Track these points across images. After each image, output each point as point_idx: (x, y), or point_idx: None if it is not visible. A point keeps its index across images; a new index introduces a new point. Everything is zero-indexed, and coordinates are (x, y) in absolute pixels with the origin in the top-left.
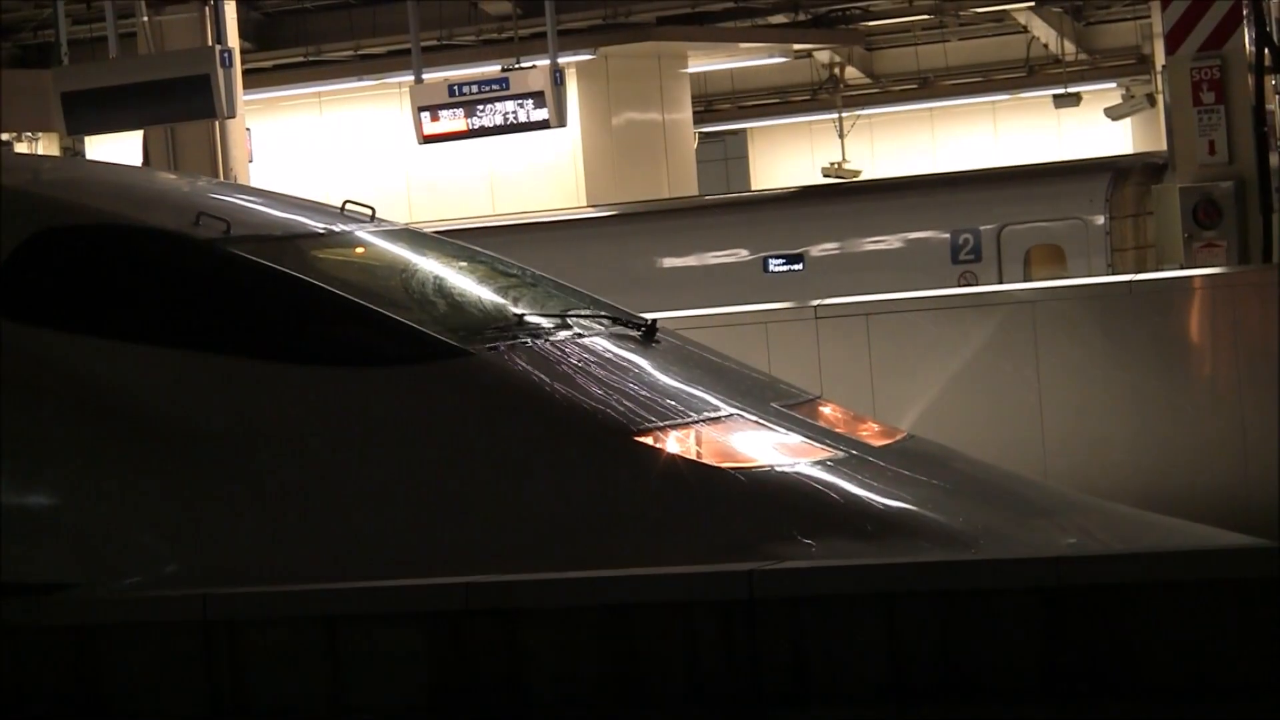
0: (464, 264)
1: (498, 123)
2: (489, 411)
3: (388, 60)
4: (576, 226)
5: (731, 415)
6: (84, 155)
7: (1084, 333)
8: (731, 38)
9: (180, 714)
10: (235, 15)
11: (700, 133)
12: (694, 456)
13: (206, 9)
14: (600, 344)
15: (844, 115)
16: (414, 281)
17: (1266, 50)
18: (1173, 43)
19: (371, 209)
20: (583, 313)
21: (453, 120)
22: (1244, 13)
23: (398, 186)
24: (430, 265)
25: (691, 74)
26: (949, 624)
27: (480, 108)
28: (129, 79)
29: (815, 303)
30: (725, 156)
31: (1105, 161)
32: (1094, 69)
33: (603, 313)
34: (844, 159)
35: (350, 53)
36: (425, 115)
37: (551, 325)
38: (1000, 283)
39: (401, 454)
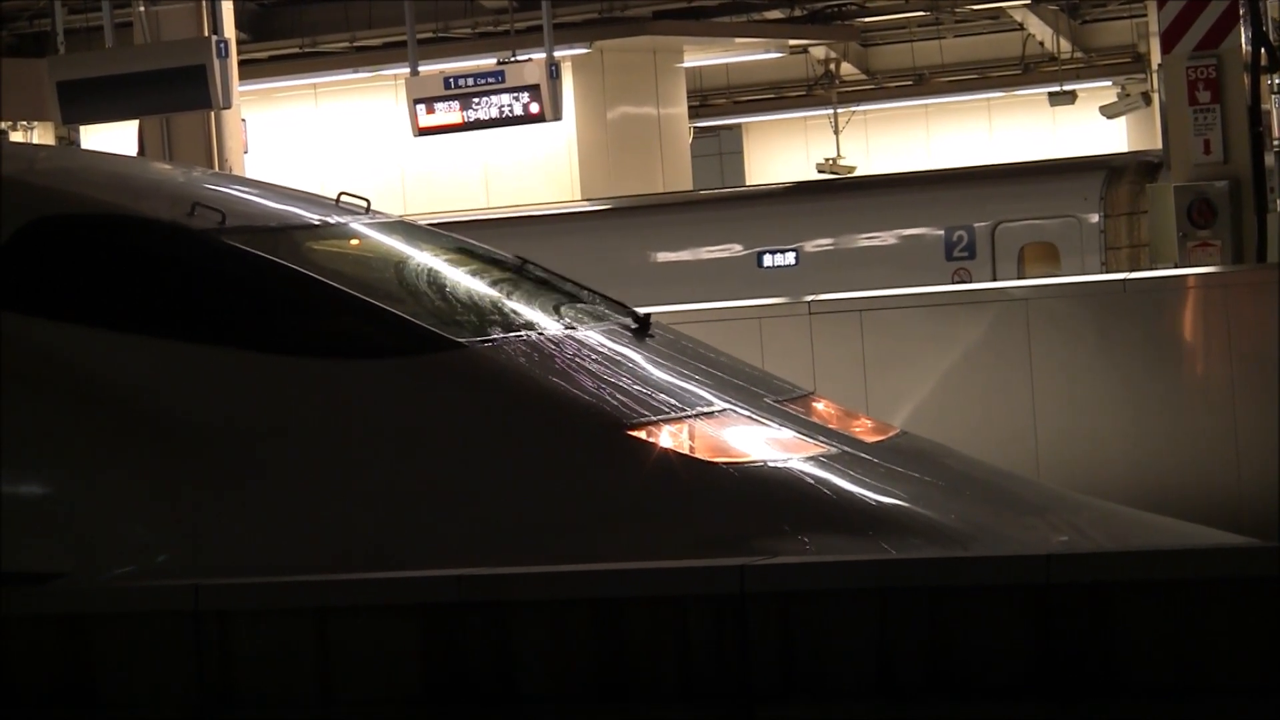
0: (458, 257)
1: (493, 116)
2: (482, 404)
3: (383, 52)
4: (571, 220)
5: (724, 410)
6: (79, 145)
7: (1077, 331)
8: (727, 33)
9: (169, 704)
10: (231, 6)
11: (695, 127)
12: (687, 451)
13: (203, 0)
14: (594, 338)
15: (839, 111)
16: (408, 274)
17: (1263, 50)
18: (1169, 41)
19: (366, 201)
20: (577, 307)
21: (448, 113)
22: (1240, 12)
23: (393, 179)
24: (424, 258)
25: (687, 69)
26: (940, 620)
27: (475, 101)
28: (125, 69)
29: (809, 298)
30: (720, 151)
31: (1100, 160)
32: (1089, 67)
33: (597, 307)
34: (839, 155)
35: (346, 44)
36: (420, 108)
37: (545, 319)
38: (994, 280)
39: (394, 446)
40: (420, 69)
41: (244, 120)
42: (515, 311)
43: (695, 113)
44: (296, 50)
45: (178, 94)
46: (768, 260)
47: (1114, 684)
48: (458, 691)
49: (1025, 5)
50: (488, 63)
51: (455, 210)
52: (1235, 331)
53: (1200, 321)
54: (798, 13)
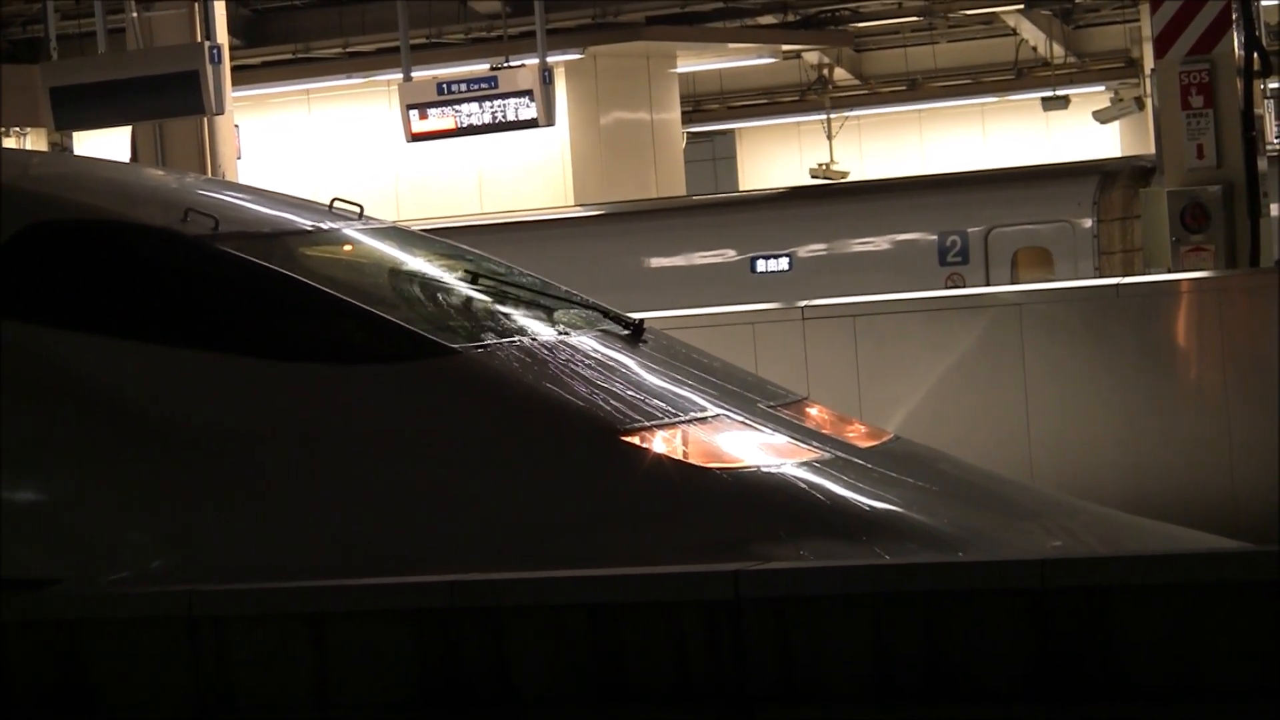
0: (451, 262)
1: (486, 121)
2: (475, 410)
3: (377, 58)
4: (564, 226)
5: (718, 415)
6: (72, 151)
7: (1071, 335)
8: (720, 38)
9: (166, 710)
10: (224, 12)
11: (688, 133)
12: (680, 456)
13: (195, 5)
14: (587, 343)
15: (832, 116)
16: (401, 280)
17: (1255, 54)
18: (1162, 46)
19: (359, 207)
20: (570, 312)
21: (441, 118)
22: (1233, 17)
23: (386, 184)
24: (418, 263)
25: (680, 74)
26: (934, 625)
27: (469, 106)
28: (118, 75)
29: (802, 304)
30: (713, 157)
31: (1093, 164)
32: (1083, 72)
33: (591, 312)
34: (832, 160)
35: (339, 50)
36: (414, 113)
37: (539, 324)
38: (987, 285)
39: (388, 452)
40: (413, 74)
41: (237, 126)
42: (508, 317)
43: (689, 118)
44: (289, 56)
45: (170, 100)
46: (761, 265)
47: (1111, 688)
48: (454, 696)
49: (1018, 10)
50: (481, 68)
51: (449, 216)
52: (1229, 336)
53: (1194, 326)
54: (791, 18)
